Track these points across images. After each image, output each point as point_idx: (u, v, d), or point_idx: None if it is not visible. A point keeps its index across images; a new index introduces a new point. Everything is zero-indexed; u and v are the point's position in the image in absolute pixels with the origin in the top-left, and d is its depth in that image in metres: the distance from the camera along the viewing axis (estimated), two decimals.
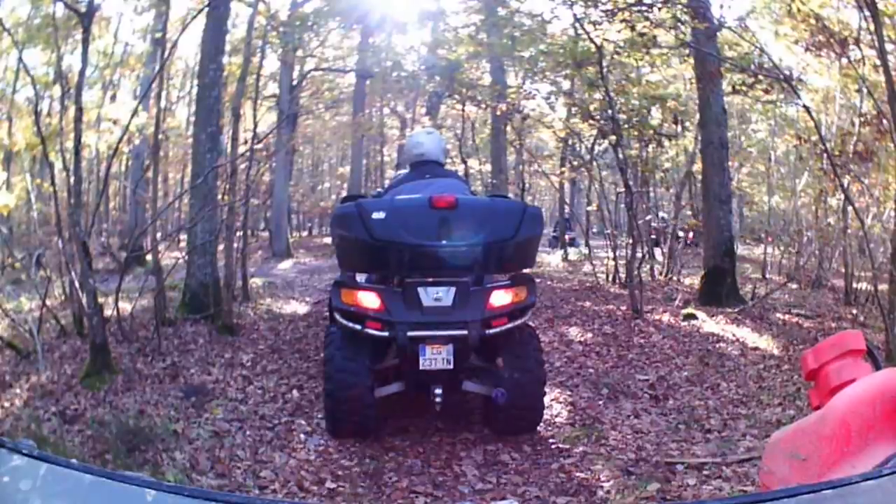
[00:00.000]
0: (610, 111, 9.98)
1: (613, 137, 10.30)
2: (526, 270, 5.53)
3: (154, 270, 8.21)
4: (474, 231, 4.75)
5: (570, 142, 17.81)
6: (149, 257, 16.55)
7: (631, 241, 10.75)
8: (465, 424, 5.51)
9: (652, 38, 10.50)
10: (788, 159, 21.97)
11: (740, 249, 15.92)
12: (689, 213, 16.66)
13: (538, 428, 5.43)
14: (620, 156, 10.20)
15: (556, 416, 5.84)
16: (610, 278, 13.67)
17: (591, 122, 10.21)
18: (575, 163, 17.73)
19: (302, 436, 5.28)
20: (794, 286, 13.50)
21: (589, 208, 19.48)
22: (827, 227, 13.41)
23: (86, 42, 6.62)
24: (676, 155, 17.38)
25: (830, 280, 13.67)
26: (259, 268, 18.36)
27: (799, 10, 10.39)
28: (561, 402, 6.13)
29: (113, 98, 18.39)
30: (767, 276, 15.31)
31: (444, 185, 5.29)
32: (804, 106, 8.87)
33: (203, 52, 9.00)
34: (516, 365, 5.05)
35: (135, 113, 8.55)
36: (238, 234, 9.66)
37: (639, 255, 10.81)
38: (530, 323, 5.66)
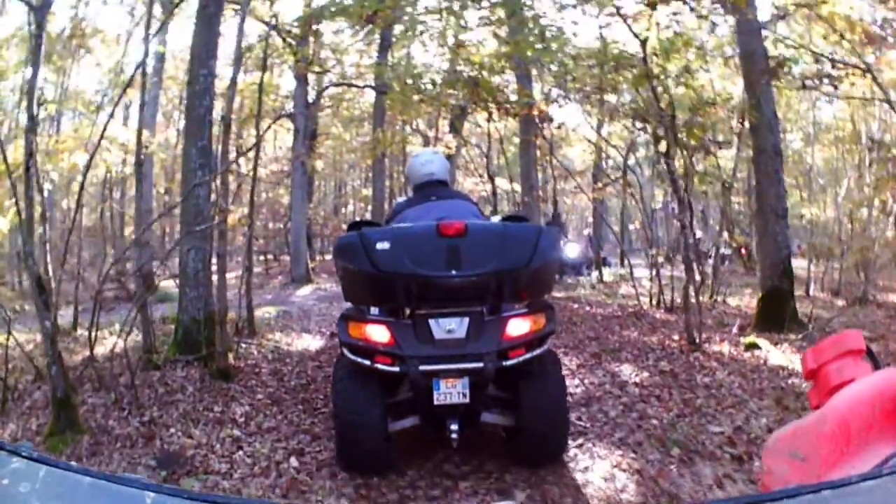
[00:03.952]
0: (659, 112, 8.80)
1: (663, 144, 9.12)
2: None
3: (139, 305, 7.13)
4: (486, 259, 4.40)
5: (601, 156, 16.92)
6: (161, 283, 15.76)
7: (683, 261, 9.54)
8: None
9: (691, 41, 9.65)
10: (829, 167, 21.07)
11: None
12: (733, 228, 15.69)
13: None
14: (674, 165, 9.00)
15: (622, 489, 4.59)
16: (654, 302, 12.50)
17: (644, 122, 9.04)
18: (613, 176, 16.70)
19: None
20: (841, 303, 12.97)
21: (632, 226, 18.37)
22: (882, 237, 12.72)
23: (38, 39, 5.58)
24: (718, 166, 16.25)
25: (876, 295, 13.24)
26: (276, 294, 17.42)
27: None
28: (625, 470, 4.88)
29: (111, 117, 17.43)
30: (811, 293, 14.40)
31: (452, 207, 5.10)
32: (886, 100, 7.67)
33: (193, 57, 7.93)
34: (537, 391, 4.74)
35: (105, 127, 7.48)
36: (236, 259, 8.56)
37: (697, 277, 9.58)
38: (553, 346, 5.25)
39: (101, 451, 5.21)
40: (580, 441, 5.40)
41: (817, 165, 20.42)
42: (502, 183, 20.97)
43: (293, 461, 5.04)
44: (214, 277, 7.70)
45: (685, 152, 10.04)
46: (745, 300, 13.24)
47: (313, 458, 5.08)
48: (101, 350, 8.77)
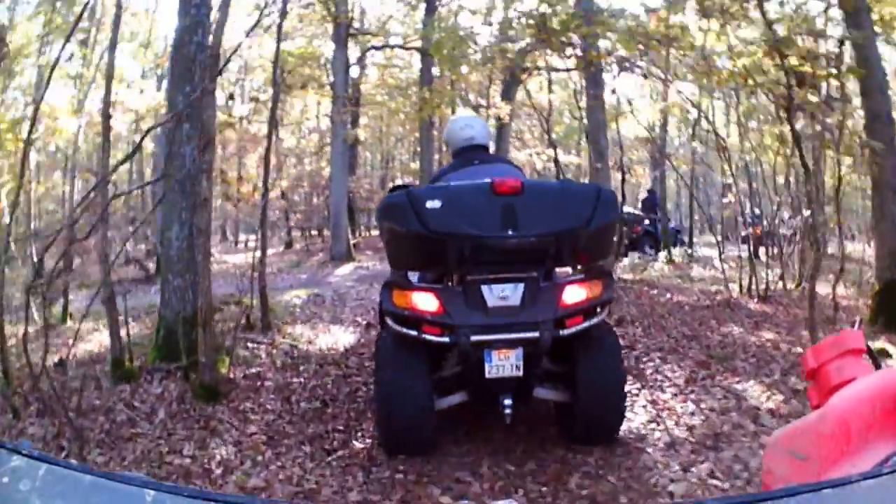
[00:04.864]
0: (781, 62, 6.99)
1: (784, 99, 7.26)
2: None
3: (105, 298, 5.47)
4: (544, 219, 4.21)
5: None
6: None
7: (811, 242, 7.71)
8: None
9: None
10: None
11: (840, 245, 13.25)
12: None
13: None
14: (798, 124, 7.14)
15: None
16: (745, 290, 10.56)
17: (783, 65, 7.21)
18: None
19: None
20: None
21: (726, 199, 16.62)
22: None
23: None
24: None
25: None
26: (312, 274, 15.93)
27: None
28: None
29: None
30: None
31: (498, 171, 4.77)
32: None
33: None
34: (594, 365, 4.48)
35: (48, 82, 5.85)
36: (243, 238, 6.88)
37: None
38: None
39: None
40: None
41: None
42: (565, 156, 19.47)
43: None
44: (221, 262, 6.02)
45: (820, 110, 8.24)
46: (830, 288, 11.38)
47: None
48: (86, 347, 7.30)
